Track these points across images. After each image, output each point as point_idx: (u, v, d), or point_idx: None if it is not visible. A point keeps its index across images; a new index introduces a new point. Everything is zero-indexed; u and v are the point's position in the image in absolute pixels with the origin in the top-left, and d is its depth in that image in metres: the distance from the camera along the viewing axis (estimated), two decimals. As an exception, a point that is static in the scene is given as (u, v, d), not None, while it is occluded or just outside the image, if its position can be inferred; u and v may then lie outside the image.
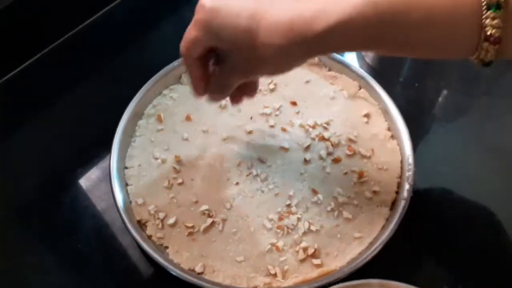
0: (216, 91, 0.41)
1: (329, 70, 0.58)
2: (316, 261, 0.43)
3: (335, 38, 0.32)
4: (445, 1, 0.30)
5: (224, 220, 0.46)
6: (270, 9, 0.33)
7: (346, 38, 0.32)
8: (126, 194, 0.48)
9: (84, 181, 0.52)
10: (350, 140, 0.51)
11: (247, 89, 0.43)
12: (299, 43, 0.32)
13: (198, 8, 0.35)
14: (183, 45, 0.37)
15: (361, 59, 0.64)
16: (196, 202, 0.47)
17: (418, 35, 0.32)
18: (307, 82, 0.57)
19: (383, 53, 0.36)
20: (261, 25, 0.33)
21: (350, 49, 0.36)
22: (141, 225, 0.46)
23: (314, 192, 0.48)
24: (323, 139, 0.51)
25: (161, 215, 0.46)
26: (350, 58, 0.63)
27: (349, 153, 0.50)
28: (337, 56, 0.57)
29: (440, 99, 0.60)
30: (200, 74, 0.39)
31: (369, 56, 0.65)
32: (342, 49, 0.37)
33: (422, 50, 0.34)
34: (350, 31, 0.31)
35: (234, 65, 0.37)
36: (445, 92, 0.60)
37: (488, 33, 0.29)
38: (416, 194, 0.47)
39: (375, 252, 0.43)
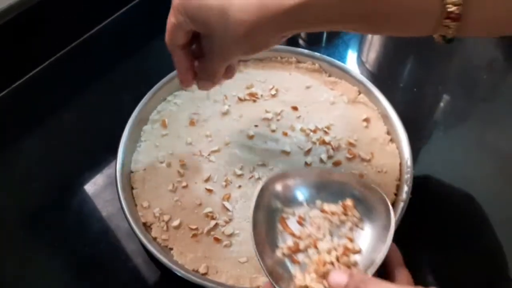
0: (203, 78, 0.41)
1: (329, 76, 0.59)
2: (317, 262, 0.45)
3: (306, 13, 0.32)
4: None
5: (227, 222, 0.47)
6: None
7: (317, 13, 0.33)
8: (131, 197, 0.49)
9: (91, 186, 0.53)
10: (350, 143, 0.52)
11: (226, 71, 0.42)
12: (270, 19, 0.33)
13: None
14: (166, 34, 0.38)
15: (361, 65, 0.65)
16: (200, 204, 0.48)
17: (385, 9, 0.32)
18: (308, 87, 0.58)
19: (352, 30, 0.35)
20: (233, 4, 0.33)
21: (320, 25, 0.35)
22: (146, 227, 0.48)
23: (315, 194, 0.49)
24: (323, 143, 0.52)
25: (166, 217, 0.47)
26: (350, 64, 0.65)
27: (349, 156, 0.51)
28: (337, 62, 0.59)
29: (439, 104, 0.61)
30: (185, 63, 0.40)
31: (369, 62, 0.66)
32: (312, 25, 0.35)
33: (388, 26, 0.34)
34: (320, 6, 0.32)
35: (212, 50, 0.37)
36: (444, 97, 0.61)
37: (449, 9, 0.30)
38: (415, 197, 0.48)
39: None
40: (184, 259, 0.45)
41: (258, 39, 0.35)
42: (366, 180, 0.42)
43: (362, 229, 0.40)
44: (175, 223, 0.47)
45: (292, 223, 0.41)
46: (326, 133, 0.53)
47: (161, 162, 0.52)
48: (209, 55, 0.38)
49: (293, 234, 0.40)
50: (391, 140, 0.53)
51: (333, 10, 0.32)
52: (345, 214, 0.41)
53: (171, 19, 0.37)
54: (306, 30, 0.37)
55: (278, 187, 0.43)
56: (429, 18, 0.32)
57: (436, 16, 0.31)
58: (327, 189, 0.43)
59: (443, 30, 0.32)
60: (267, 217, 0.41)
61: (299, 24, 0.34)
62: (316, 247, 0.39)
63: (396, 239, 0.44)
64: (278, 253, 0.39)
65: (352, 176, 0.44)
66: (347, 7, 0.32)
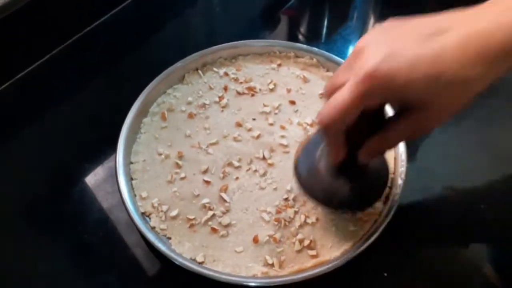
0: (378, 150, 0.38)
1: (327, 70, 0.60)
2: (311, 252, 0.45)
3: None
4: None
5: (224, 213, 0.48)
6: (435, 42, 0.30)
7: None
8: (131, 187, 0.50)
9: (92, 176, 0.54)
10: (346, 137, 0.53)
11: None
12: (496, 63, 0.30)
13: (365, 76, 0.31)
14: (332, 112, 0.33)
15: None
16: (198, 195, 0.49)
17: None
18: (306, 82, 0.59)
19: None
20: (447, 67, 0.30)
21: None
22: (145, 217, 0.49)
23: (311, 187, 0.50)
24: (320, 136, 0.53)
25: (164, 207, 0.48)
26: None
27: (345, 150, 0.52)
28: (334, 57, 0.59)
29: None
30: (343, 140, 0.36)
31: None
32: None
33: None
34: None
35: (420, 121, 0.34)
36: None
37: None
38: (411, 192, 0.49)
39: (367, 244, 0.44)
40: (182, 248, 0.46)
41: (477, 92, 0.32)
42: None
43: None
44: (173, 213, 0.48)
45: None
46: (322, 127, 0.54)
47: (160, 154, 0.53)
48: (403, 127, 0.35)
49: None
50: (387, 134, 0.53)
51: None
52: None
53: (352, 93, 0.31)
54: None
55: None
56: None
57: None
58: None
59: None
60: None
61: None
62: None
63: (390, 232, 0.45)
64: None
65: None
66: None
